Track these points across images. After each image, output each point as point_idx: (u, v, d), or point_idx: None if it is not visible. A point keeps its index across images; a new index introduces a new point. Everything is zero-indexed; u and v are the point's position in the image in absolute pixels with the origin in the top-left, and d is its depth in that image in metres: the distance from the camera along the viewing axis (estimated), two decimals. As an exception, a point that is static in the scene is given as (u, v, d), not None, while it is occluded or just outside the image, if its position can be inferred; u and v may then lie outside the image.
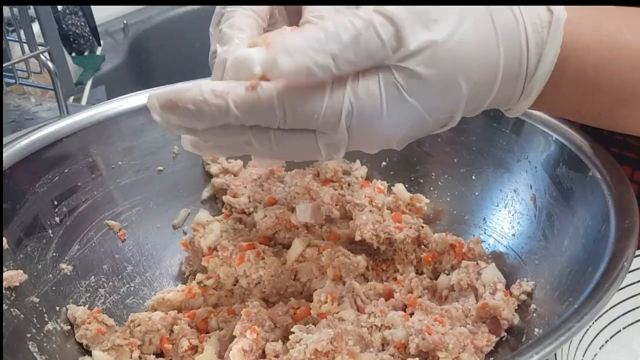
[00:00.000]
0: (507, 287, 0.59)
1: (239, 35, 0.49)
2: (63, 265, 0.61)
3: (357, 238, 0.62)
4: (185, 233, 0.70)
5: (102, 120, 0.67)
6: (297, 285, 0.62)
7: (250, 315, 0.56)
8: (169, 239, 0.69)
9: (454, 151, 0.68)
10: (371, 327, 0.56)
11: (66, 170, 0.64)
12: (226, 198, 0.69)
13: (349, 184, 0.69)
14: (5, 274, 0.56)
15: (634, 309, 0.58)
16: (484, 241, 0.64)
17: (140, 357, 0.59)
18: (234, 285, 0.62)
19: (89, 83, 1.30)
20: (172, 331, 0.59)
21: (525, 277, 0.59)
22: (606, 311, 0.56)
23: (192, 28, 1.54)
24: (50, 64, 0.93)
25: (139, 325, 0.59)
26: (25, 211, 0.60)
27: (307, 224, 0.64)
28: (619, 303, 0.57)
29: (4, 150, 0.61)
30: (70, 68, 1.14)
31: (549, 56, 0.47)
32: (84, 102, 1.27)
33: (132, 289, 0.65)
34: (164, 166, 0.69)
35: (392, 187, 0.70)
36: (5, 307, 0.55)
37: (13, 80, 0.97)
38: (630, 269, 0.48)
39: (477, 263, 0.60)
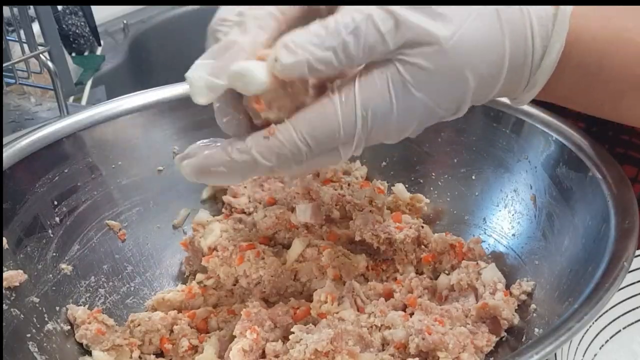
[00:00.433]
0: (507, 287, 0.59)
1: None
2: (63, 265, 0.61)
3: (357, 238, 0.62)
4: (185, 233, 0.70)
5: (102, 120, 0.67)
6: (297, 285, 0.62)
7: (250, 315, 0.56)
8: (169, 239, 0.69)
9: (454, 151, 0.68)
10: (371, 327, 0.56)
11: (66, 170, 0.64)
12: (226, 198, 0.69)
13: (349, 184, 0.69)
14: (5, 274, 0.56)
15: (634, 309, 0.58)
16: (484, 241, 0.64)
17: (140, 357, 0.59)
18: (234, 285, 0.62)
19: (89, 83, 1.30)
20: (172, 331, 0.59)
21: (525, 277, 0.59)
22: (606, 311, 0.56)
23: (192, 28, 1.54)
24: (50, 64, 0.93)
25: (139, 325, 0.59)
26: (25, 211, 0.60)
27: (307, 224, 0.64)
28: (619, 303, 0.57)
29: (4, 150, 0.61)
30: (70, 68, 1.13)
31: (555, 48, 0.47)
32: (84, 102, 1.27)
33: (132, 289, 0.65)
34: (164, 166, 0.69)
35: (392, 187, 0.70)
36: (5, 307, 0.55)
37: (13, 80, 0.97)
38: (630, 269, 0.48)
39: (477, 263, 0.60)
